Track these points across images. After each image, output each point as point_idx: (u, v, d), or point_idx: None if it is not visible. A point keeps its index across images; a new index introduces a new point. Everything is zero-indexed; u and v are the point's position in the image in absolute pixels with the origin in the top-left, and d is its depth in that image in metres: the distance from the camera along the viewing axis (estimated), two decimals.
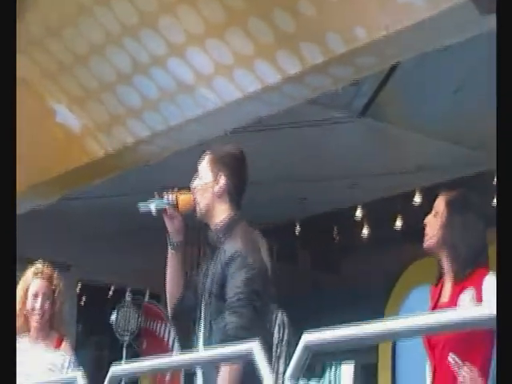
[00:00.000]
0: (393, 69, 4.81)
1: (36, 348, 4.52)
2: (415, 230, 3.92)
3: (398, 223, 6.61)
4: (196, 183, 3.45)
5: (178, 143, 4.82)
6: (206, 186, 3.46)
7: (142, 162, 5.22)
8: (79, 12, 4.40)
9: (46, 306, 4.54)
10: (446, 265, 3.57)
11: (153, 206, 3.48)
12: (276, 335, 4.02)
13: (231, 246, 3.42)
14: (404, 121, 5.64)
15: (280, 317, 4.09)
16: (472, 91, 4.74)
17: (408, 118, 5.61)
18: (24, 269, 4.64)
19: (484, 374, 3.53)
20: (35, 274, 4.59)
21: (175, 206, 3.54)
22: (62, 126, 4.84)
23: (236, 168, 3.54)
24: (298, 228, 7.37)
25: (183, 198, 3.52)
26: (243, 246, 3.41)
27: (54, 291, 4.58)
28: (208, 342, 3.43)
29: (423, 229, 3.59)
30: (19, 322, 4.44)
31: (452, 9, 3.37)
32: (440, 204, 3.65)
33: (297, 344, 2.24)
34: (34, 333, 4.50)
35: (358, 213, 6.74)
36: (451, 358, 3.57)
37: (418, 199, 6.16)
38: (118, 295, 5.68)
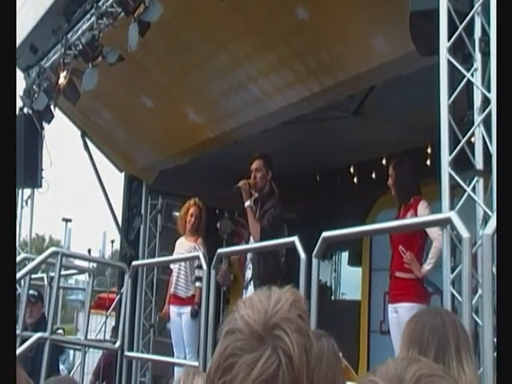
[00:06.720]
0: (372, 87, 6.02)
1: (186, 240, 6.39)
2: (384, 179, 5.29)
3: (374, 176, 7.74)
4: None
5: (251, 130, 6.52)
6: None
7: (233, 140, 6.80)
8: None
9: (195, 220, 6.32)
10: (396, 196, 5.12)
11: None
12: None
13: None
14: (379, 117, 6.68)
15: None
16: (419, 101, 4.96)
17: (382, 115, 6.62)
18: (185, 202, 6.44)
19: (418, 258, 4.80)
20: (192, 203, 6.35)
21: None
22: (191, 122, 6.55)
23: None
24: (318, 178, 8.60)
25: None
26: None
27: (200, 213, 6.38)
28: None
29: (387, 178, 5.16)
30: (182, 226, 6.31)
31: (406, 53, 4.32)
32: (391, 166, 5.17)
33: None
34: (187, 233, 6.37)
35: (351, 170, 8.21)
36: (400, 248, 4.87)
37: (384, 162, 7.23)
38: (221, 213, 7.41)
